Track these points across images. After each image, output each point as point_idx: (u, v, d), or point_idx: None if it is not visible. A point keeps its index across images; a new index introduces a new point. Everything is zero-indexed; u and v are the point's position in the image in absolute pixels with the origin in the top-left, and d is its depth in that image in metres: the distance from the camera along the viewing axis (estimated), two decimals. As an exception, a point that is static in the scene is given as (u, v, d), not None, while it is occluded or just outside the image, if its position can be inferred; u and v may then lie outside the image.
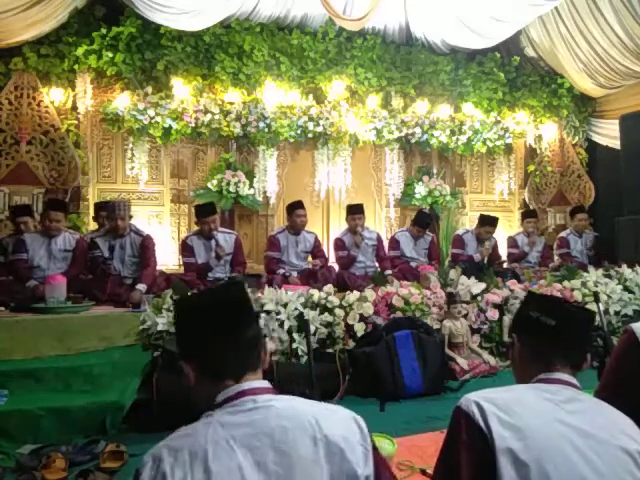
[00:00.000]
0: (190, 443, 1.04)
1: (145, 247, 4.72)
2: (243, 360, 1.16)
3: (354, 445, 1.09)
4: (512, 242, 6.72)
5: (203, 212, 5.05)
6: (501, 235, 6.97)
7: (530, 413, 1.20)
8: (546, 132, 8.01)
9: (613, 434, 1.18)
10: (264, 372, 1.21)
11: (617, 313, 4.72)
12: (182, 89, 6.31)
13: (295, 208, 5.50)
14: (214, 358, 1.15)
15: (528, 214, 6.92)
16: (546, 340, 1.35)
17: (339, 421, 1.12)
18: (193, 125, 6.33)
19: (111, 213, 4.67)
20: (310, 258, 5.61)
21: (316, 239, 5.67)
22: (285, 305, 3.85)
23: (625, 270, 5.05)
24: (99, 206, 5.60)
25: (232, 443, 1.04)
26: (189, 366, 1.17)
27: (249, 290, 3.94)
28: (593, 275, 4.95)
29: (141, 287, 4.43)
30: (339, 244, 5.70)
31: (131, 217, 4.85)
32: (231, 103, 6.45)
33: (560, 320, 1.34)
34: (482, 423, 1.17)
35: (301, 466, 1.03)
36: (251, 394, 1.12)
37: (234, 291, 1.23)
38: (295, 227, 5.49)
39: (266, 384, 1.16)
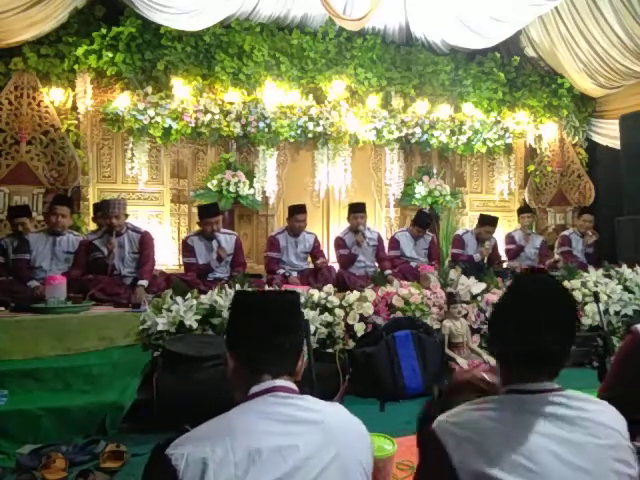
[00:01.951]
0: (228, 427, 1.11)
1: (145, 243, 4.74)
2: (282, 362, 1.26)
3: (361, 475, 1.19)
4: (509, 239, 6.80)
5: (207, 212, 5.05)
6: (501, 235, 6.97)
7: (505, 433, 1.13)
8: (546, 132, 8.01)
9: (592, 432, 1.16)
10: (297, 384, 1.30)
11: (617, 313, 4.72)
12: (182, 89, 6.30)
13: (296, 212, 5.49)
14: (257, 354, 1.25)
15: (523, 209, 6.99)
16: (512, 359, 1.24)
17: (356, 437, 1.23)
18: (193, 125, 6.33)
19: (106, 211, 4.69)
20: (310, 258, 5.62)
21: (315, 239, 5.68)
22: (285, 305, 3.84)
23: (625, 270, 5.05)
24: (97, 206, 5.60)
25: (270, 428, 1.12)
26: (232, 355, 1.28)
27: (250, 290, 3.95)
28: (593, 275, 4.95)
29: (143, 283, 4.46)
30: (340, 243, 5.71)
31: (127, 216, 4.86)
32: (231, 103, 6.45)
33: (530, 349, 1.20)
34: (453, 452, 1.12)
35: (309, 466, 1.11)
36: (281, 390, 1.21)
37: (290, 299, 1.35)
38: (294, 230, 5.50)
39: (295, 387, 1.26)
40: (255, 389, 1.20)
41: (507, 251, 6.68)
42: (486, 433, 1.14)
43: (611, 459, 1.14)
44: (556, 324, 1.21)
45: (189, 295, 3.85)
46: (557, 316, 1.22)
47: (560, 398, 1.19)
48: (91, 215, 6.01)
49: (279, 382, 1.22)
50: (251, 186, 6.54)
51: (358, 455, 1.20)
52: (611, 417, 1.22)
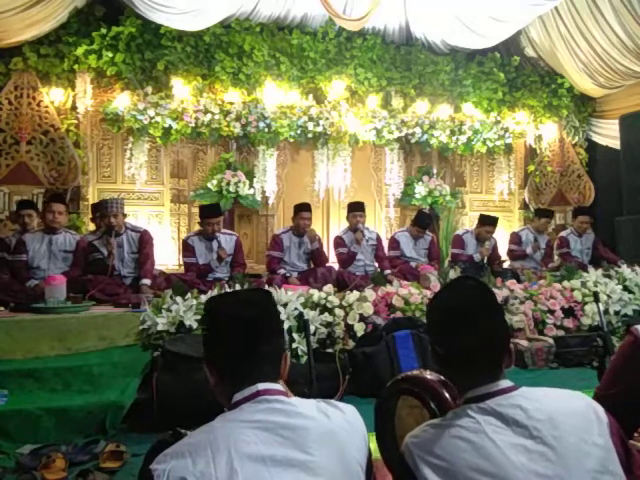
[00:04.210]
0: (210, 438, 1.08)
1: (145, 242, 4.73)
2: (264, 370, 1.21)
3: (359, 472, 1.16)
4: (515, 238, 6.53)
5: (209, 213, 5.06)
6: (501, 235, 6.96)
7: (466, 451, 1.10)
8: (546, 132, 8.01)
9: (554, 434, 1.12)
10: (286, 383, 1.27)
11: (617, 313, 4.72)
12: (182, 89, 6.30)
13: (301, 210, 5.50)
14: (234, 365, 1.20)
15: (546, 214, 6.68)
16: (452, 364, 1.26)
17: (357, 441, 1.18)
18: (193, 125, 6.33)
19: (104, 210, 4.67)
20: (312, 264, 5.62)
21: (318, 241, 5.68)
22: (285, 305, 3.85)
23: (625, 270, 5.05)
24: (95, 207, 5.59)
25: (253, 437, 1.08)
26: (211, 369, 1.24)
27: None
28: (593, 275, 4.95)
29: (147, 282, 4.47)
30: (339, 242, 5.72)
31: (125, 215, 4.85)
32: (231, 103, 6.45)
33: (447, 351, 1.24)
34: (419, 476, 1.11)
35: (296, 476, 1.07)
36: (265, 394, 1.16)
37: (262, 302, 1.27)
38: (298, 229, 5.51)
39: (279, 387, 1.21)
40: (238, 397, 1.17)
41: (510, 251, 6.50)
42: (447, 454, 1.10)
43: (581, 459, 1.10)
44: (480, 322, 1.22)
45: (189, 295, 3.84)
46: (481, 315, 1.23)
47: (517, 399, 1.16)
48: (90, 215, 6.01)
49: (262, 386, 1.17)
50: (251, 186, 6.54)
51: (355, 454, 1.16)
52: (571, 410, 1.17)
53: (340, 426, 1.17)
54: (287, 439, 1.09)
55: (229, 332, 1.21)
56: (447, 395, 1.55)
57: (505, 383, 1.20)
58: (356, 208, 5.72)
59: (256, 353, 1.20)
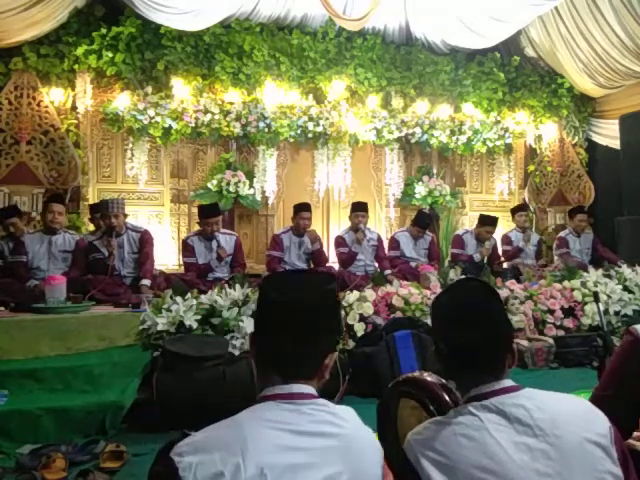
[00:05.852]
0: (238, 436, 1.02)
1: (145, 241, 4.73)
2: (297, 364, 1.13)
3: None
4: (506, 239, 6.66)
5: (207, 213, 5.06)
6: (501, 235, 6.96)
7: (468, 448, 1.11)
8: (546, 132, 8.01)
9: (557, 434, 1.12)
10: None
11: (617, 313, 4.72)
12: (182, 89, 6.30)
13: (301, 210, 5.51)
14: (271, 354, 1.14)
15: (518, 208, 6.87)
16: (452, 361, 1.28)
17: (371, 451, 1.14)
18: (193, 125, 6.33)
19: (104, 211, 4.66)
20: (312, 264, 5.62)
21: (319, 241, 5.68)
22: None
23: (625, 270, 5.05)
24: (94, 207, 5.58)
25: (282, 442, 1.03)
26: (252, 346, 1.18)
27: (250, 290, 3.95)
28: (593, 275, 4.95)
29: (146, 282, 4.47)
30: (340, 241, 5.73)
31: (126, 216, 4.85)
32: (231, 103, 6.45)
33: (450, 350, 1.26)
34: (422, 473, 1.11)
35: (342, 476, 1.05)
36: (300, 398, 1.11)
37: (323, 297, 1.17)
38: (298, 229, 5.51)
39: (312, 391, 1.14)
40: (268, 392, 1.11)
41: (503, 252, 6.55)
42: (449, 450, 1.10)
43: (583, 459, 1.11)
44: (482, 319, 1.23)
45: (189, 295, 3.84)
46: (483, 312, 1.25)
47: (520, 399, 1.16)
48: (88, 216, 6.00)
49: (297, 388, 1.11)
50: (251, 186, 6.54)
51: (374, 469, 1.12)
52: (574, 412, 1.18)
53: (365, 440, 1.14)
54: (318, 447, 1.05)
55: (271, 315, 1.14)
56: (447, 398, 1.55)
57: (508, 382, 1.21)
58: (359, 208, 5.73)
59: (292, 348, 1.12)
